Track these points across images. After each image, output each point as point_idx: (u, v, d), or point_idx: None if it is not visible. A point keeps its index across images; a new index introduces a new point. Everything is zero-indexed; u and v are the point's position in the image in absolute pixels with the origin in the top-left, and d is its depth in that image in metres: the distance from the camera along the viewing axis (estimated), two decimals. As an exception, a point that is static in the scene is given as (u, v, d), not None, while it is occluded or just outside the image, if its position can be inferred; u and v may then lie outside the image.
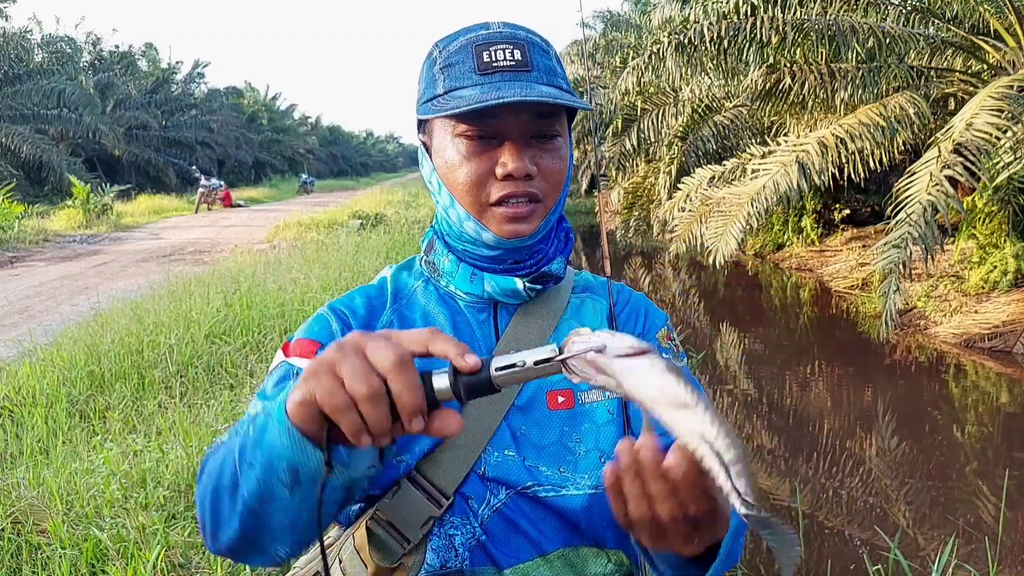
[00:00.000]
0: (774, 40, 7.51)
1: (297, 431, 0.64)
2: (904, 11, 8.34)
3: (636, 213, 13.26)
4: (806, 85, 8.24)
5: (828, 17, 7.62)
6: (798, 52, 8.07)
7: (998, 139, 6.11)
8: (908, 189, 6.14)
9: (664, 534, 0.67)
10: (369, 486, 0.93)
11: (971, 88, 7.88)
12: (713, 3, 8.38)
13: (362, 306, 0.98)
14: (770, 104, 9.01)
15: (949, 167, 5.87)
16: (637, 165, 13.96)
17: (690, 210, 9.54)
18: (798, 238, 12.40)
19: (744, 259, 12.90)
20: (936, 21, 8.33)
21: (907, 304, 7.78)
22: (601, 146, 14.20)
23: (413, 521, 0.89)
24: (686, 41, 7.86)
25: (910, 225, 5.92)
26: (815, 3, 7.93)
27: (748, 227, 8.01)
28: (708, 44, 7.68)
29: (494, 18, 1.09)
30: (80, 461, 3.14)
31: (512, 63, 0.87)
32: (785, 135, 9.59)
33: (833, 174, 7.80)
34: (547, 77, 0.88)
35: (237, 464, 0.69)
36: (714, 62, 8.08)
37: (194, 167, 29.58)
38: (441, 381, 0.63)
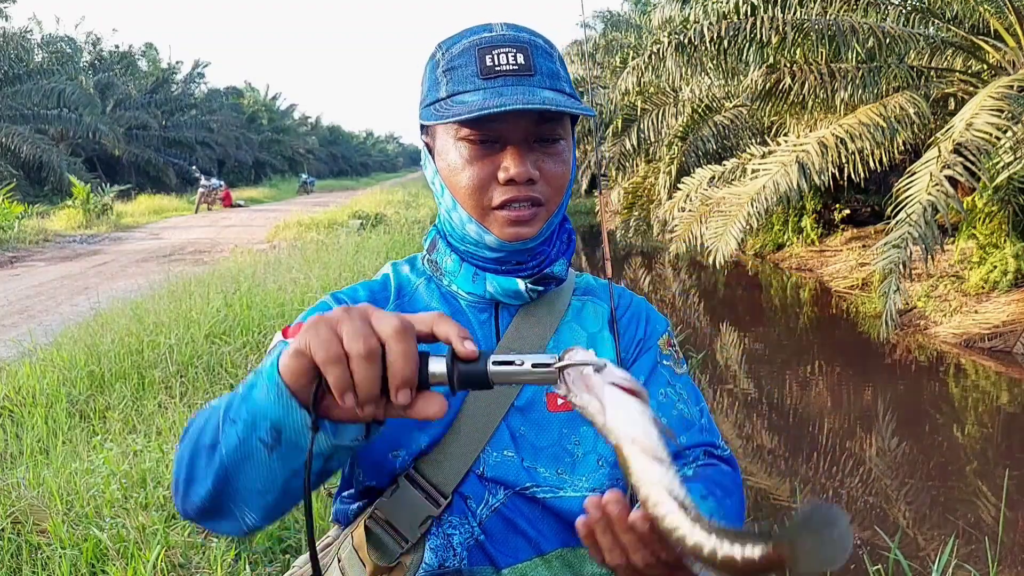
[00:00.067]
0: (774, 40, 7.51)
1: (285, 388, 0.63)
2: (904, 11, 8.34)
3: (636, 213, 13.27)
4: (806, 85, 8.24)
5: (828, 17, 7.62)
6: (798, 52, 8.07)
7: (998, 139, 6.11)
8: (908, 189, 6.14)
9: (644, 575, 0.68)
10: (366, 477, 0.93)
11: (971, 88, 7.88)
12: (713, 3, 8.38)
13: (365, 299, 0.98)
14: (770, 104, 9.01)
15: (949, 167, 5.87)
16: (637, 165, 13.96)
17: (690, 210, 9.54)
18: (798, 238, 12.40)
19: (744, 259, 12.90)
20: (936, 21, 8.33)
21: (907, 304, 7.78)
22: (601, 146, 14.20)
23: (411, 520, 0.89)
24: (686, 41, 7.87)
25: (910, 225, 5.92)
26: (815, 3, 7.93)
27: (748, 227, 8.01)
28: (708, 44, 7.68)
29: (496, 19, 1.09)
30: (80, 461, 3.14)
31: (515, 67, 0.86)
32: (785, 135, 9.59)
33: (833, 174, 7.80)
34: (550, 81, 0.88)
35: (221, 422, 0.68)
36: (714, 62, 8.08)
37: (194, 167, 29.58)
38: (438, 363, 0.63)
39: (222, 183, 24.23)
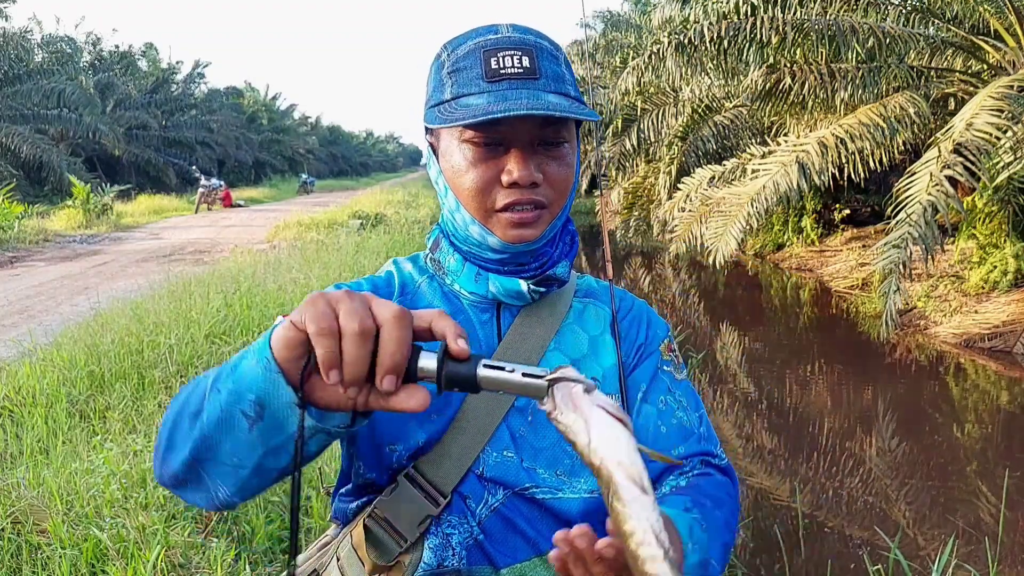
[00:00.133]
0: (774, 40, 7.51)
1: (274, 362, 0.63)
2: (904, 11, 8.34)
3: (636, 213, 13.27)
4: (806, 85, 8.24)
5: (828, 17, 7.62)
6: (798, 52, 8.07)
7: (998, 139, 6.11)
8: (908, 189, 6.14)
9: None
10: (366, 469, 0.93)
11: (971, 88, 7.88)
12: (713, 3, 8.38)
13: (368, 292, 0.98)
14: (770, 104, 9.01)
15: (949, 167, 5.87)
16: (637, 165, 13.96)
17: (690, 210, 9.54)
18: (798, 238, 12.40)
19: (744, 259, 12.90)
20: (936, 21, 8.33)
21: (907, 304, 7.78)
22: (601, 146, 14.20)
23: (410, 520, 0.89)
24: (686, 41, 7.87)
25: (910, 225, 5.92)
26: (815, 3, 7.93)
27: (748, 227, 8.01)
28: (708, 44, 7.68)
29: (499, 20, 1.09)
30: (80, 461, 3.14)
31: (520, 70, 0.86)
32: (785, 135, 9.59)
33: (833, 174, 7.80)
34: (555, 84, 0.88)
35: (208, 390, 0.68)
36: (714, 62, 8.08)
37: (194, 167, 29.58)
38: (428, 359, 0.62)
39: (222, 183, 24.21)
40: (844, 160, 7.66)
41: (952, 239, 8.39)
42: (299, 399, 0.63)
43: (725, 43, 7.63)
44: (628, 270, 13.20)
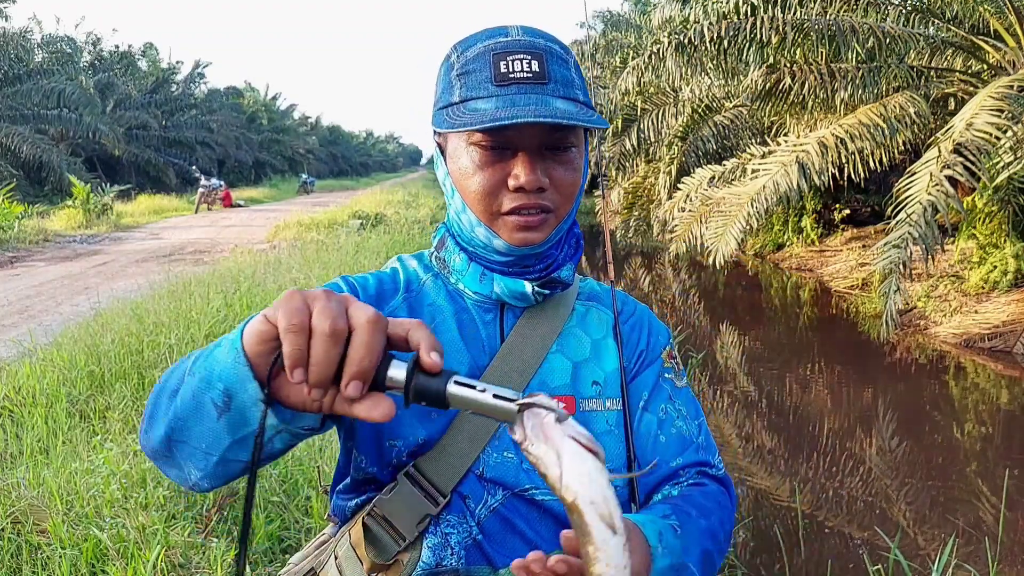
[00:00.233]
0: (774, 40, 7.51)
1: (244, 355, 0.62)
2: (904, 11, 8.34)
3: (636, 213, 13.28)
4: (806, 85, 8.24)
5: (828, 17, 7.62)
6: (798, 52, 8.06)
7: (998, 139, 6.11)
8: (908, 189, 6.14)
9: None
10: (367, 463, 0.93)
11: (971, 88, 7.88)
12: (713, 3, 8.38)
13: (374, 287, 0.98)
14: (770, 104, 9.01)
15: (949, 167, 5.87)
16: (637, 165, 13.95)
17: (690, 210, 9.54)
18: (798, 238, 12.40)
19: (744, 259, 12.90)
20: (936, 21, 8.33)
21: (907, 304, 7.78)
22: (601, 146, 14.20)
23: (409, 519, 0.89)
24: (686, 41, 7.86)
25: (910, 225, 5.92)
26: (815, 3, 7.92)
27: (748, 227, 8.01)
28: (708, 44, 7.68)
29: (501, 20, 1.09)
30: (80, 461, 3.14)
31: (529, 75, 0.86)
32: (785, 135, 9.59)
33: (833, 174, 7.80)
34: (564, 89, 0.87)
35: (187, 371, 0.69)
36: (714, 62, 8.08)
37: (194, 167, 29.59)
38: (398, 369, 0.60)
39: (222, 183, 24.21)
40: (844, 160, 7.66)
41: (952, 239, 8.39)
42: (264, 395, 0.63)
43: (725, 43, 7.63)
44: (628, 270, 13.20)
